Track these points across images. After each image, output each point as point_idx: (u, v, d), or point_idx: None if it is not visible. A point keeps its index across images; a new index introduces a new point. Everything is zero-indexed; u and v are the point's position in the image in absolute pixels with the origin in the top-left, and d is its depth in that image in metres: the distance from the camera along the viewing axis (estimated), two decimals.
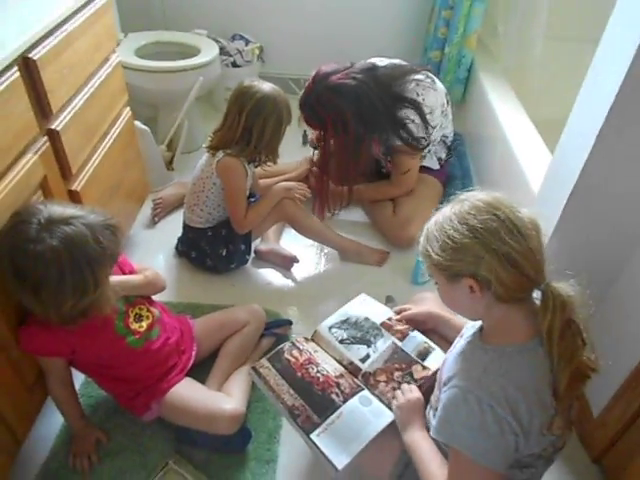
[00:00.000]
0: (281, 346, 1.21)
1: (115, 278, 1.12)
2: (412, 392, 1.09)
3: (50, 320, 1.00)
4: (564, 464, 1.25)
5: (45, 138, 1.14)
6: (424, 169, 1.93)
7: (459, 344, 0.98)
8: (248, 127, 1.52)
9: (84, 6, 1.30)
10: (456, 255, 0.83)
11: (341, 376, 1.16)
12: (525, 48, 2.30)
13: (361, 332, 1.24)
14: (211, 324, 1.39)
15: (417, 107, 1.73)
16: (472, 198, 0.85)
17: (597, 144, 1.02)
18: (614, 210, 1.14)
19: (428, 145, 1.82)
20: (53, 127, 1.16)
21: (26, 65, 1.06)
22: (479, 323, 0.96)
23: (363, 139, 1.73)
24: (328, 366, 1.18)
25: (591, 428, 1.27)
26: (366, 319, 1.26)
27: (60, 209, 0.97)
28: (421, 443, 0.99)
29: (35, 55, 1.07)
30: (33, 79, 1.08)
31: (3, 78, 0.97)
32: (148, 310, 1.21)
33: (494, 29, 2.36)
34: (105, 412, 1.29)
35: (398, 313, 1.30)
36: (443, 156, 1.98)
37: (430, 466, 0.94)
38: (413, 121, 1.73)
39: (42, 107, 1.12)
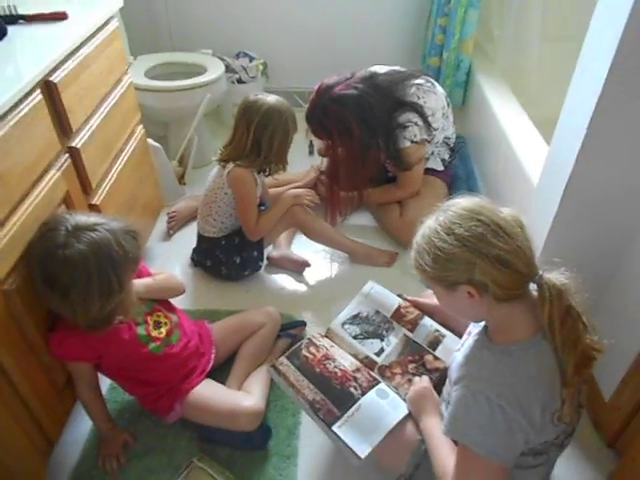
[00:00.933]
0: (298, 343, 1.26)
1: (136, 281, 1.18)
2: (421, 382, 1.13)
3: (78, 324, 1.05)
4: (579, 450, 1.27)
5: (66, 155, 1.21)
6: (429, 171, 1.98)
7: (467, 342, 1.01)
8: (257, 139, 1.58)
9: (96, 32, 1.39)
10: (449, 265, 0.86)
11: (358, 370, 1.21)
12: (521, 50, 2.36)
13: (373, 326, 1.29)
14: (228, 327, 1.44)
15: (418, 110, 1.79)
16: (454, 207, 0.88)
17: (588, 135, 1.06)
18: (609, 201, 1.18)
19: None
20: (73, 145, 1.24)
21: (48, 88, 1.13)
22: (482, 324, 0.99)
23: (369, 146, 1.79)
24: (345, 361, 1.22)
25: (603, 413, 1.29)
26: (377, 312, 1.31)
27: (85, 217, 1.05)
28: (432, 431, 1.02)
29: (55, 78, 1.15)
30: (54, 100, 1.15)
31: (28, 100, 1.05)
32: (166, 317, 1.27)
33: (490, 33, 2.42)
34: (130, 416, 1.35)
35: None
36: (446, 157, 2.03)
37: (440, 453, 0.97)
38: (416, 123, 1.79)
39: (63, 126, 1.20)
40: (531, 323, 0.88)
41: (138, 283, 1.20)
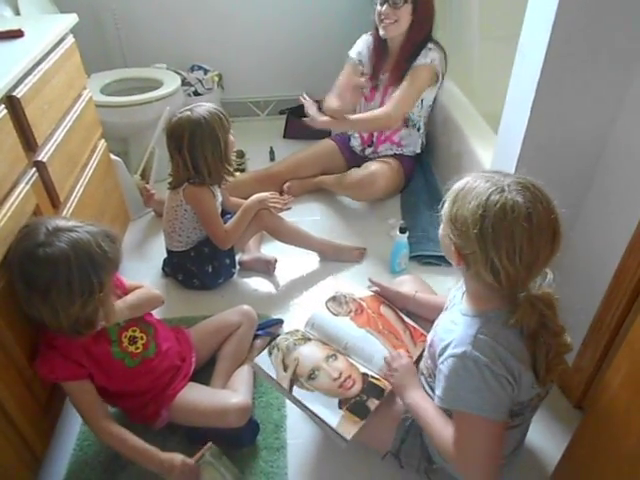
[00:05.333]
0: (276, 339, 1.30)
1: (118, 303, 1.18)
2: (401, 357, 1.18)
3: (61, 328, 1.05)
4: (550, 413, 1.36)
5: (34, 169, 1.21)
6: (399, 156, 2.17)
7: (445, 315, 1.08)
8: (194, 161, 1.57)
9: (54, 48, 1.39)
10: (457, 232, 0.89)
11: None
12: (464, 50, 2.49)
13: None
14: (206, 330, 1.45)
15: (442, 49, 2.05)
16: (508, 196, 0.84)
17: (531, 115, 1.16)
18: (556, 172, 1.27)
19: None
20: (40, 159, 1.24)
21: (11, 103, 1.14)
22: (460, 294, 1.06)
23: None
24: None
25: (568, 376, 1.38)
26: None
27: (64, 220, 1.07)
28: (422, 403, 1.07)
29: (18, 93, 1.16)
30: (18, 115, 1.16)
31: None
32: (141, 331, 1.26)
33: (434, 35, 2.54)
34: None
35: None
36: (418, 150, 2.20)
37: (435, 427, 1.01)
38: (437, 51, 2.02)
39: (28, 141, 1.20)
40: (506, 297, 0.93)
41: (121, 306, 1.19)
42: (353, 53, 2.16)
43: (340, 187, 2.15)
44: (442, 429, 1.00)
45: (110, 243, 1.07)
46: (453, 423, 0.97)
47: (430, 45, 2.02)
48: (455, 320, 1.01)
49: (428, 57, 1.99)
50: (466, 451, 0.94)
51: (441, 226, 0.97)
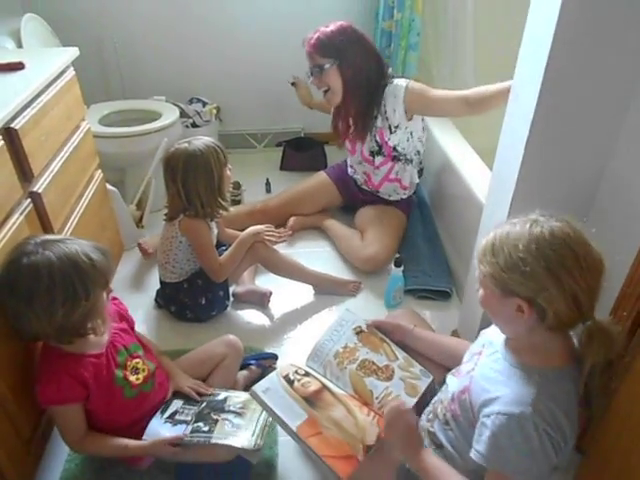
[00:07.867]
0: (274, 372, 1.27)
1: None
2: (403, 408, 1.06)
3: (48, 335, 1.05)
4: None
5: (28, 200, 1.21)
6: (392, 202, 2.12)
7: (484, 362, 0.98)
8: (187, 192, 1.57)
9: (54, 80, 1.41)
10: (521, 278, 0.83)
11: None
12: (458, 86, 2.54)
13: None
14: (192, 363, 1.42)
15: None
16: (550, 224, 0.84)
17: (525, 154, 1.17)
18: (553, 204, 1.28)
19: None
20: (35, 189, 1.24)
21: (9, 134, 1.14)
22: (501, 340, 0.97)
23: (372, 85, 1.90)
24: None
25: None
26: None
27: (54, 236, 1.10)
28: (441, 466, 0.97)
29: (17, 125, 1.16)
30: (15, 146, 1.16)
31: None
32: (144, 363, 1.24)
33: (429, 73, 2.60)
34: (100, 465, 1.29)
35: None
36: (416, 180, 2.15)
37: None
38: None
39: (24, 171, 1.20)
40: (565, 353, 0.89)
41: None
42: None
43: (347, 258, 2.05)
44: None
45: (100, 255, 1.07)
46: None
47: (388, 83, 1.91)
48: (501, 370, 0.92)
49: (396, 91, 1.89)
50: None
51: (483, 294, 0.92)
